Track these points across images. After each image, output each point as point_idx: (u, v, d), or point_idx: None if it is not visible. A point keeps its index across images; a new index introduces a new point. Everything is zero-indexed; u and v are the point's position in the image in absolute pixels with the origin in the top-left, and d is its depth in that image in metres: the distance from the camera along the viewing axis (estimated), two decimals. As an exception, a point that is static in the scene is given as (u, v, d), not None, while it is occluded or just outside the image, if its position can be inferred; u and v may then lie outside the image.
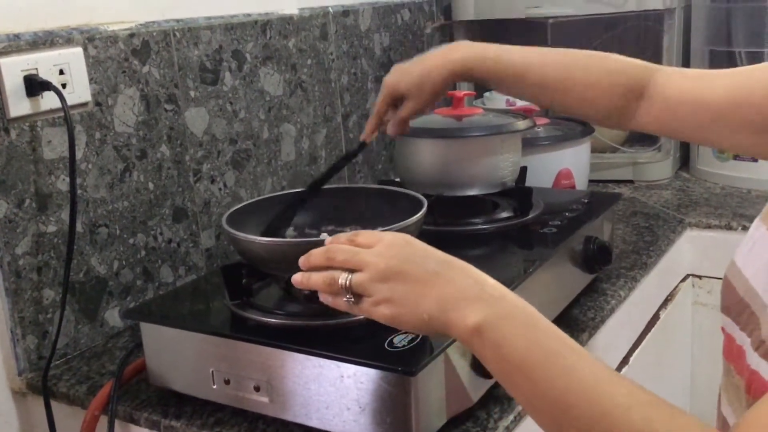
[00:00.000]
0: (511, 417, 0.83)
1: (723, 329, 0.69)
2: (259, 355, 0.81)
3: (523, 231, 1.10)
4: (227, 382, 0.84)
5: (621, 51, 0.92)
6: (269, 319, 0.85)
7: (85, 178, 1.03)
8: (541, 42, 1.65)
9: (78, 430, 0.92)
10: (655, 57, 1.61)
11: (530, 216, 1.12)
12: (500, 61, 0.93)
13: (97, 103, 1.04)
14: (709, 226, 1.41)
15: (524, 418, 0.84)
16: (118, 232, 1.08)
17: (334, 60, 1.45)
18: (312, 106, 1.40)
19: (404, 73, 0.98)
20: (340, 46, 1.46)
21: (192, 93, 1.17)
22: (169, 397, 0.91)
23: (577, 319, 1.06)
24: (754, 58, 1.58)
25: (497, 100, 1.70)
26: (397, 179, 1.24)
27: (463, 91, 1.25)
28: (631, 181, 1.69)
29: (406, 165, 1.19)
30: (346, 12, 1.47)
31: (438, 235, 1.08)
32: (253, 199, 1.04)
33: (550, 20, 1.63)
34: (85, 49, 1.02)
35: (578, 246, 1.08)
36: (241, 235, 0.88)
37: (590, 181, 1.53)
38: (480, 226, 1.11)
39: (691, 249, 1.43)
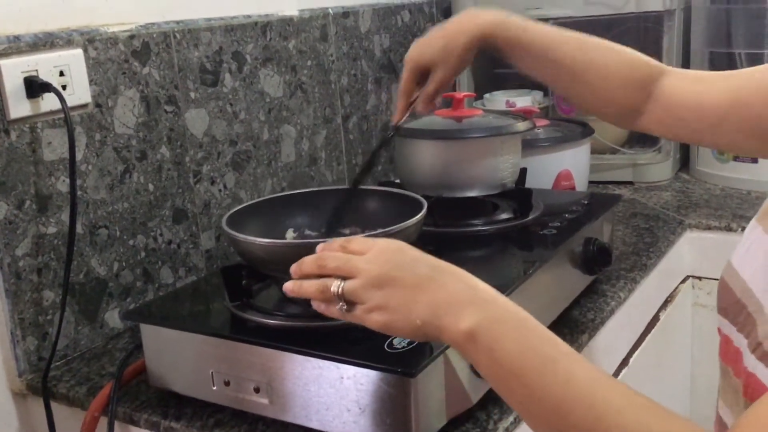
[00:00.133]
0: (510, 418, 0.83)
1: (720, 330, 0.69)
2: (259, 357, 0.81)
3: (523, 232, 1.10)
4: (227, 383, 0.84)
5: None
6: (269, 321, 0.85)
7: (85, 180, 1.03)
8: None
9: (78, 431, 0.92)
10: (655, 58, 1.61)
11: (530, 217, 1.12)
12: (527, 31, 0.89)
13: (97, 105, 1.04)
14: (708, 228, 1.41)
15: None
16: (118, 233, 1.08)
17: (334, 61, 1.45)
18: (312, 107, 1.40)
19: (426, 45, 0.94)
20: (340, 48, 1.46)
21: (192, 94, 1.17)
22: (169, 399, 0.91)
23: (576, 320, 1.06)
24: (754, 60, 1.58)
25: (497, 101, 1.70)
26: (397, 180, 1.24)
27: (463, 92, 1.25)
28: (630, 183, 1.69)
29: (406, 166, 1.19)
30: (346, 13, 1.48)
31: (438, 237, 1.08)
32: (253, 201, 1.04)
33: (550, 21, 1.63)
34: (86, 51, 1.02)
35: (578, 247, 1.08)
36: (241, 236, 0.88)
37: (590, 182, 1.53)
38: (480, 228, 1.11)
39: (691, 250, 1.43)
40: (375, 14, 1.56)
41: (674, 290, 1.42)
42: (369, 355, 0.75)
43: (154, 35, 1.11)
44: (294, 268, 0.70)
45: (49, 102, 0.97)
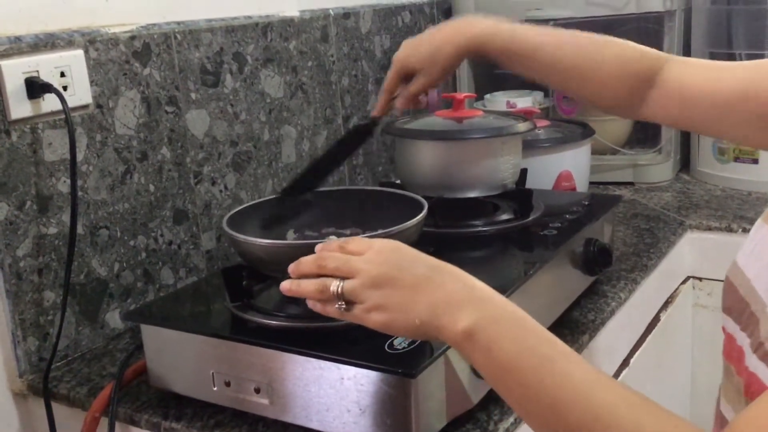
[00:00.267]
0: (511, 419, 0.83)
1: (724, 329, 0.69)
2: (260, 357, 0.81)
3: (524, 233, 1.10)
4: (228, 384, 0.84)
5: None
6: (270, 321, 0.85)
7: (86, 180, 1.03)
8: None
9: (78, 431, 0.92)
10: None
11: (531, 218, 1.12)
12: (514, 37, 0.90)
13: (98, 105, 1.04)
14: (709, 228, 1.41)
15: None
16: (118, 234, 1.08)
17: (335, 62, 1.45)
18: (312, 108, 1.40)
19: (415, 48, 0.96)
20: (341, 48, 1.47)
21: (193, 95, 1.17)
22: (169, 399, 0.91)
23: (577, 321, 1.06)
24: (755, 61, 1.57)
25: (498, 102, 1.70)
26: (398, 181, 1.24)
27: (464, 93, 1.25)
28: (631, 183, 1.69)
29: (407, 167, 1.19)
30: (346, 14, 1.48)
31: (438, 237, 1.08)
32: (254, 201, 1.04)
33: (551, 22, 1.63)
34: (86, 52, 1.02)
35: (578, 248, 1.08)
36: (242, 237, 0.88)
37: (590, 183, 1.53)
38: (480, 228, 1.11)
39: (692, 251, 1.43)
40: (376, 15, 1.56)
41: (675, 291, 1.42)
42: (369, 355, 0.75)
43: (155, 36, 1.11)
44: (292, 268, 0.71)
45: (49, 103, 0.97)
